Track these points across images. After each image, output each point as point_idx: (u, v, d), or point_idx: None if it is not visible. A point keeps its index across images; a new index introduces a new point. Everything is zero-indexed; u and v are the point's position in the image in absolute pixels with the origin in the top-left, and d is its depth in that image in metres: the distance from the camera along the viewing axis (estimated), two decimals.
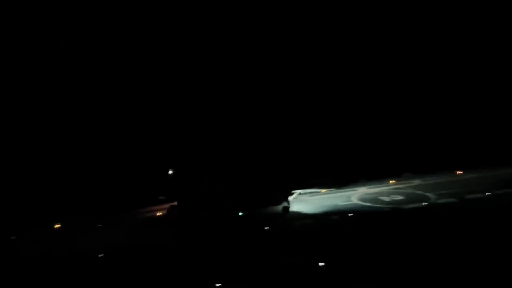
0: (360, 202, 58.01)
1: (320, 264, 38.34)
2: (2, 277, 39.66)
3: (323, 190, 62.43)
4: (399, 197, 58.88)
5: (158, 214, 54.38)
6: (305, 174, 59.32)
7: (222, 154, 63.94)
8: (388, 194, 60.85)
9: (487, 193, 56.00)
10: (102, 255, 43.67)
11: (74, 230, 52.60)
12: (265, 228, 48.43)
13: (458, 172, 67.67)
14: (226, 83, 72.86)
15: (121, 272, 39.80)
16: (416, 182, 65.31)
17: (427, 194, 58.97)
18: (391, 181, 65.93)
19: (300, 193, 59.25)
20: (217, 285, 35.57)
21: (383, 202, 57.45)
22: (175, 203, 54.72)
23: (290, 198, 56.80)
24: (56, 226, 54.02)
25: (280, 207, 55.90)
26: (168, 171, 54.75)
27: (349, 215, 52.28)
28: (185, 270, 39.16)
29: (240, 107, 72.13)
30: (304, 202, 58.34)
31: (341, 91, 74.92)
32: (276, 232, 47.56)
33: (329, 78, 75.88)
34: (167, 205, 55.80)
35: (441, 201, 55.69)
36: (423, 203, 55.10)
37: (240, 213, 54.06)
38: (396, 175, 67.28)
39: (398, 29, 76.75)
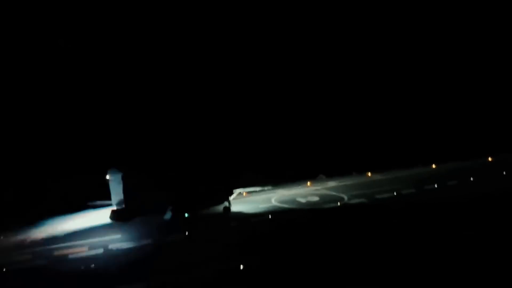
0: (278, 204, 59.79)
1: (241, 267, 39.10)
2: None
3: (244, 193, 63.30)
4: (315, 198, 61.59)
5: None
6: (241, 173, 60.02)
7: (163, 156, 63.36)
8: (305, 195, 63.34)
9: (395, 193, 60.59)
10: None
11: None
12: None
13: (368, 174, 72.30)
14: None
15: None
16: (331, 183, 68.57)
17: (341, 194, 62.23)
18: (308, 183, 68.71)
19: (240, 193, 59.94)
20: None
21: (300, 203, 59.86)
22: (115, 208, 52.94)
23: (230, 198, 57.45)
24: None
25: (221, 207, 56.63)
26: (106, 175, 52.68)
27: (269, 216, 53.81)
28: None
29: (181, 108, 72.03)
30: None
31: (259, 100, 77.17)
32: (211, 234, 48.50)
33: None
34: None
35: (353, 201, 59.20)
36: (338, 203, 58.13)
37: (186, 215, 54.15)
38: (312, 177, 70.21)
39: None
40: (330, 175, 71.02)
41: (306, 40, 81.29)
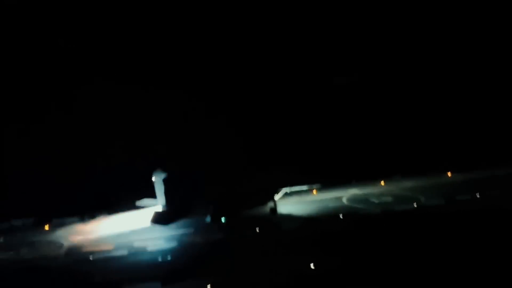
0: (350, 204, 58.32)
1: (311, 266, 38.54)
2: None
3: (314, 192, 62.46)
4: (389, 199, 59.26)
5: None
6: (290, 173, 58.84)
7: (204, 157, 64.34)
8: (378, 195, 61.18)
9: (478, 195, 56.48)
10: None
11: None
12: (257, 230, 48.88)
13: (448, 174, 68.19)
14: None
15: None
16: (407, 184, 65.57)
17: (417, 195, 59.32)
18: (381, 183, 66.27)
19: (286, 192, 58.87)
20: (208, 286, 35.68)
21: (373, 203, 57.90)
22: (158, 210, 54.56)
23: (275, 197, 56.40)
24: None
25: (266, 208, 55.69)
26: (152, 176, 54.61)
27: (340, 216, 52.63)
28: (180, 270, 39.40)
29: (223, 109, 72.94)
30: (294, 203, 58.64)
31: (330, 92, 75.38)
32: (265, 235, 47.69)
33: (319, 79, 76.53)
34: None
35: (430, 202, 56.14)
36: (414, 205, 55.47)
37: (223, 219, 53.11)
38: (386, 177, 67.55)
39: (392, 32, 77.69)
40: (405, 175, 67.94)
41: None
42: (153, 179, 54.31)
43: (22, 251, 47.54)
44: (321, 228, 49.04)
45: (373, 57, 77.92)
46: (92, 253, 45.51)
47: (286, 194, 58.26)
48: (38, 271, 41.56)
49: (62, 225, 54.58)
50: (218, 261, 41.20)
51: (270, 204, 55.56)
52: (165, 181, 53.77)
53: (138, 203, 56.61)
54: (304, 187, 59.63)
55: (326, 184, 62.07)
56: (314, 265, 38.62)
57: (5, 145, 66.06)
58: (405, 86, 78.22)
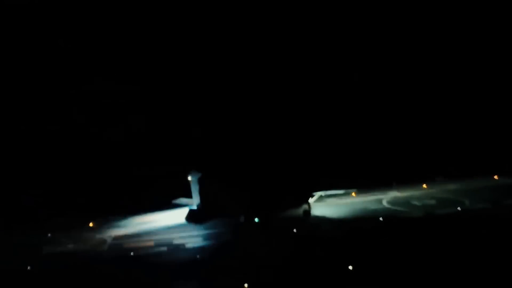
0: (391, 206, 57.06)
1: (350, 267, 37.95)
2: None
3: (353, 194, 61.58)
4: (432, 201, 57.53)
5: None
6: (326, 175, 58.11)
7: (240, 158, 64.37)
8: (421, 198, 59.54)
9: None
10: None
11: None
12: (294, 231, 48.58)
13: (495, 177, 65.54)
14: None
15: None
16: (450, 186, 63.50)
17: (462, 198, 57.32)
18: (423, 186, 64.46)
19: (321, 196, 58.22)
20: (245, 285, 35.79)
21: (415, 206, 56.39)
22: (193, 208, 55.40)
23: (310, 200, 56.04)
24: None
25: (300, 211, 55.42)
26: (187, 175, 55.51)
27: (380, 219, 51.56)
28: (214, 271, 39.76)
29: (258, 111, 72.77)
30: (331, 205, 57.89)
31: (369, 94, 74.23)
32: (299, 238, 47.18)
33: (357, 80, 75.47)
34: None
35: (476, 206, 54.10)
36: (458, 208, 53.63)
37: (256, 219, 53.38)
38: (429, 180, 65.62)
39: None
40: (449, 178, 65.79)
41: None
42: (189, 178, 55.33)
43: (68, 246, 49.51)
44: (360, 230, 48.13)
45: (407, 56, 76.04)
46: (133, 249, 46.70)
47: (321, 197, 57.68)
48: (82, 265, 43.04)
49: (106, 222, 56.50)
50: (254, 260, 41.25)
51: (304, 206, 55.46)
52: (200, 181, 54.63)
53: (175, 201, 57.86)
54: (340, 191, 58.64)
55: (365, 187, 61.06)
56: (352, 267, 38.00)
57: (52, 144, 68.52)
58: (450, 85, 76.00)
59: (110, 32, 70.32)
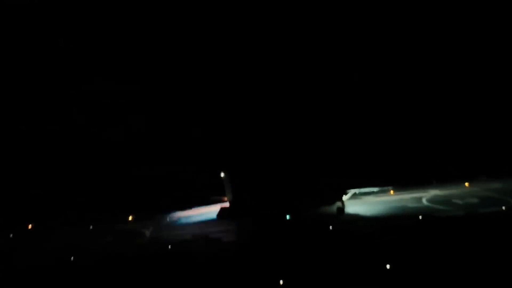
0: (431, 205, 55.53)
1: (387, 266, 37.23)
2: None
3: (391, 192, 60.36)
4: (475, 200, 55.58)
5: None
6: (361, 172, 57.15)
7: (271, 154, 64.37)
8: (462, 197, 57.63)
9: None
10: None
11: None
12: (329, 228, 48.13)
13: None
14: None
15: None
16: (494, 185, 61.13)
17: (506, 198, 55.06)
18: (465, 184, 62.36)
19: (355, 193, 57.03)
20: (281, 281, 35.79)
21: (456, 205, 54.63)
22: (226, 205, 55.84)
23: (344, 197, 55.11)
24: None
25: (333, 208, 54.75)
26: (220, 173, 56.03)
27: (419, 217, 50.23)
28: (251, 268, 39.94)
29: (291, 109, 72.29)
30: (367, 203, 56.97)
31: (408, 90, 72.53)
32: (334, 235, 46.61)
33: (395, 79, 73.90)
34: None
35: None
36: (502, 207, 51.55)
37: (288, 216, 52.84)
38: (471, 178, 63.38)
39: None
40: (492, 176, 63.31)
41: None
42: (222, 175, 55.90)
43: (107, 239, 51.15)
44: (398, 228, 47.09)
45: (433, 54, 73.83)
46: (171, 242, 47.65)
47: (355, 195, 56.79)
48: (121, 258, 44.31)
49: (145, 217, 58.03)
50: (289, 257, 41.18)
51: (338, 203, 54.60)
52: (231, 178, 55.07)
53: (213, 198, 58.70)
54: (375, 189, 57.42)
55: (402, 184, 59.67)
56: (389, 266, 37.26)
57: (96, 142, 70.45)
58: (487, 81, 73.26)
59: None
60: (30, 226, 57.13)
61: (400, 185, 59.55)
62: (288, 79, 72.26)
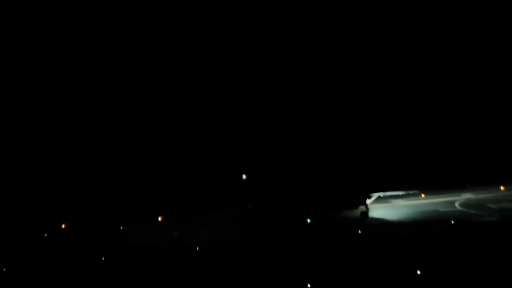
0: (464, 209, 53.98)
1: (418, 272, 36.41)
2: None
3: (423, 195, 58.98)
4: (510, 205, 53.70)
5: None
6: (387, 175, 55.91)
7: (291, 155, 63.67)
8: (498, 201, 55.79)
9: None
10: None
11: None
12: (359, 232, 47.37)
13: None
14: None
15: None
16: None
17: None
18: (501, 188, 60.36)
19: (380, 196, 55.67)
20: (309, 285, 35.54)
21: (490, 209, 52.92)
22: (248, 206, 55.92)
23: (368, 201, 54.14)
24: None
25: (357, 212, 53.99)
26: (242, 175, 56.18)
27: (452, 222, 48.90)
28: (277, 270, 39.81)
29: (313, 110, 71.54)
30: (396, 206, 55.81)
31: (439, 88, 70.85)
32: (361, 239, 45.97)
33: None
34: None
35: None
36: None
37: (308, 220, 52.45)
38: (506, 181, 61.24)
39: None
40: None
41: None
42: (243, 177, 56.12)
43: (140, 238, 52.19)
44: (430, 233, 45.94)
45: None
46: (197, 242, 48.15)
47: (379, 198, 55.67)
48: (155, 256, 45.25)
49: (173, 218, 59.02)
50: (315, 261, 40.82)
51: (361, 207, 53.80)
52: (250, 181, 55.19)
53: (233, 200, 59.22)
54: (401, 192, 55.87)
55: (430, 188, 58.18)
56: (420, 271, 36.39)
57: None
58: None
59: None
60: (63, 226, 58.73)
61: (427, 188, 58.03)
62: (307, 81, 72.05)
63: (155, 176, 65.80)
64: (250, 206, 55.81)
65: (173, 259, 43.85)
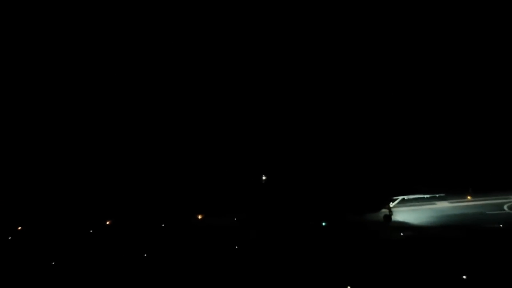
0: None
1: (464, 277, 35.13)
2: None
3: (469, 197, 56.85)
4: None
5: None
6: (413, 180, 54.04)
7: (310, 157, 62.42)
8: None
9: None
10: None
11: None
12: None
13: None
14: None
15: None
16: None
17: None
18: None
19: (404, 199, 53.98)
20: None
21: None
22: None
23: (391, 204, 52.78)
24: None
25: (380, 215, 52.93)
26: (262, 177, 56.08)
27: (500, 226, 46.82)
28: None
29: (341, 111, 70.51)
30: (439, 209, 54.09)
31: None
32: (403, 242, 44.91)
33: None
34: None
35: None
36: None
37: (323, 223, 51.79)
38: None
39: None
40: None
41: None
42: (263, 178, 56.07)
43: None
44: (479, 236, 44.15)
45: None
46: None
47: (404, 201, 54.15)
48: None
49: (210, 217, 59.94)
50: (341, 264, 40.16)
51: (384, 210, 52.89)
52: (270, 183, 54.95)
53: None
54: (426, 195, 53.72)
55: (457, 191, 56.05)
56: (466, 277, 35.07)
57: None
58: None
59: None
60: (108, 222, 60.57)
61: (455, 192, 56.03)
62: (334, 86, 71.25)
63: (196, 176, 66.78)
64: (266, 209, 55.61)
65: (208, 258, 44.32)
